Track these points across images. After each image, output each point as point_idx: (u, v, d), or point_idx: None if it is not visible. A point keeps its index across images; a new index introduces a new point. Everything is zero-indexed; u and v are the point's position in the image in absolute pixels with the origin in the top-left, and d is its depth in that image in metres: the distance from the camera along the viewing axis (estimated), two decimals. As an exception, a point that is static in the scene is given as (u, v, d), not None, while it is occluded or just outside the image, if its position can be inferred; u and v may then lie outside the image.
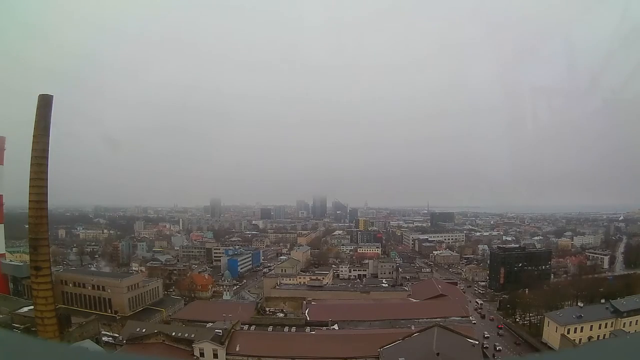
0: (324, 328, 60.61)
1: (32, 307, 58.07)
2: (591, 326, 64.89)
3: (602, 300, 70.81)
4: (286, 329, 60.73)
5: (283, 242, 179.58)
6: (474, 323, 71.91)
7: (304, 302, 75.51)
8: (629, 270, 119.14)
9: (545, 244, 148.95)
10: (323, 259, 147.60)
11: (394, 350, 46.30)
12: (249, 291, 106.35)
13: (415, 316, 63.63)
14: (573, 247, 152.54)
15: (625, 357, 2.77)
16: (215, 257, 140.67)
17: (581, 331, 64.28)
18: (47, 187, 55.20)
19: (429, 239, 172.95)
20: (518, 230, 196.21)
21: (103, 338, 63.40)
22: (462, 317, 63.85)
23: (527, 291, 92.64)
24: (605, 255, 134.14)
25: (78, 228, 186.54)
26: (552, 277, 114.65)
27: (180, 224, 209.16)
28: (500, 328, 79.54)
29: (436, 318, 58.81)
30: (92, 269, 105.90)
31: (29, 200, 54.39)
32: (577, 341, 60.42)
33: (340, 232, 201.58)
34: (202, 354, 50.21)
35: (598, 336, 64.11)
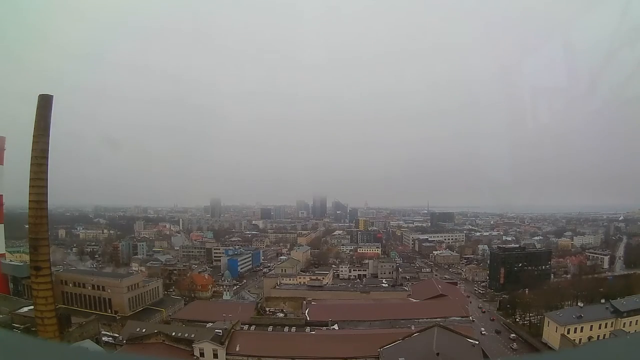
0: (324, 328, 60.62)
1: (32, 307, 58.00)
2: (591, 326, 64.94)
3: (602, 300, 70.86)
4: (286, 329, 60.73)
5: (283, 242, 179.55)
6: (473, 321, 72.68)
7: (304, 302, 75.52)
8: (629, 270, 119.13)
9: (545, 244, 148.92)
10: (323, 259, 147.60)
11: (394, 350, 46.31)
12: (249, 291, 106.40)
13: (415, 316, 63.63)
14: (573, 247, 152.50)
15: (625, 357, 2.77)
16: (215, 257, 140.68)
17: (581, 331, 64.32)
18: (47, 187, 55.12)
19: (429, 239, 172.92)
20: (518, 230, 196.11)
21: (103, 338, 63.36)
22: (462, 317, 63.88)
23: (527, 291, 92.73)
24: (605, 255, 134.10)
25: (78, 228, 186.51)
26: (552, 277, 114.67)
27: (180, 224, 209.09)
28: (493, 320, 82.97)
29: (436, 318, 58.83)
30: (92, 269, 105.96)
31: (29, 200, 54.32)
32: (577, 341, 60.46)
33: (340, 232, 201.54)
34: (202, 354, 50.22)
35: (598, 336, 64.15)
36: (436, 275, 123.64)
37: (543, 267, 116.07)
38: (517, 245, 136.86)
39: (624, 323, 65.21)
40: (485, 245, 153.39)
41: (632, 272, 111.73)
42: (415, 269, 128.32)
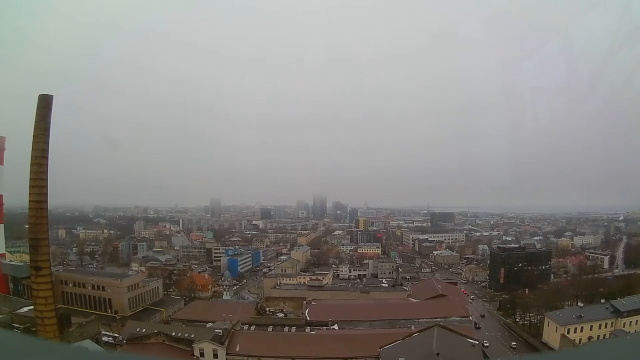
0: (324, 328, 60.62)
1: (32, 307, 58.02)
2: (591, 326, 64.92)
3: (602, 300, 70.88)
4: (286, 329, 60.71)
5: (283, 242, 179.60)
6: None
7: (304, 302, 75.45)
8: (629, 270, 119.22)
9: (545, 244, 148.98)
10: (323, 259, 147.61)
11: (394, 350, 46.31)
12: (249, 291, 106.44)
13: (415, 316, 63.59)
14: (573, 247, 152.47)
15: (625, 357, 2.78)
16: (215, 257, 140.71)
17: (581, 331, 64.31)
18: (47, 187, 55.16)
19: (429, 239, 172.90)
20: (518, 230, 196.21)
21: (103, 338, 63.33)
22: (462, 317, 63.85)
23: (527, 291, 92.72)
24: (605, 255, 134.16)
25: (78, 228, 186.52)
26: (552, 277, 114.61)
27: (180, 224, 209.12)
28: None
29: (436, 318, 58.79)
30: (92, 269, 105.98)
31: (29, 200, 54.36)
32: (577, 341, 60.45)
33: (340, 232, 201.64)
34: (202, 354, 50.23)
35: (598, 336, 64.14)
36: (435, 272, 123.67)
37: (543, 267, 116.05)
38: (517, 245, 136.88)
39: (624, 323, 65.18)
40: (485, 245, 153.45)
41: (632, 272, 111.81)
42: (415, 269, 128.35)
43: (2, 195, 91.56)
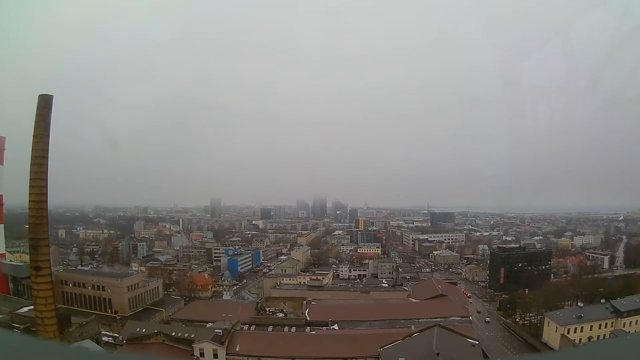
0: (324, 328, 60.56)
1: (32, 307, 58.04)
2: (591, 326, 64.91)
3: (602, 300, 70.85)
4: (286, 329, 60.66)
5: (283, 242, 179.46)
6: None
7: (304, 302, 75.43)
8: (629, 270, 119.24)
9: (545, 244, 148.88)
10: (323, 259, 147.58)
11: (394, 350, 46.30)
12: (249, 291, 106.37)
13: (415, 316, 63.54)
14: (573, 247, 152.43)
15: (625, 357, 2.78)
16: (215, 257, 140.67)
17: (581, 331, 64.30)
18: (47, 187, 55.17)
19: (429, 239, 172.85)
20: (518, 230, 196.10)
21: (103, 338, 63.35)
22: (462, 317, 63.83)
23: (527, 291, 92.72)
24: (605, 255, 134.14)
25: (78, 228, 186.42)
26: (552, 277, 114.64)
27: (180, 224, 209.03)
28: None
29: (436, 318, 58.73)
30: (92, 269, 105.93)
31: (29, 200, 54.36)
32: (577, 341, 60.44)
33: (340, 232, 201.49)
34: (202, 354, 50.20)
35: (598, 336, 64.14)
36: (436, 275, 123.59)
37: (543, 267, 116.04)
38: (517, 245, 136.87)
39: (624, 323, 65.18)
40: (485, 245, 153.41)
41: (632, 272, 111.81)
42: (415, 269, 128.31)
43: (2, 195, 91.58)
